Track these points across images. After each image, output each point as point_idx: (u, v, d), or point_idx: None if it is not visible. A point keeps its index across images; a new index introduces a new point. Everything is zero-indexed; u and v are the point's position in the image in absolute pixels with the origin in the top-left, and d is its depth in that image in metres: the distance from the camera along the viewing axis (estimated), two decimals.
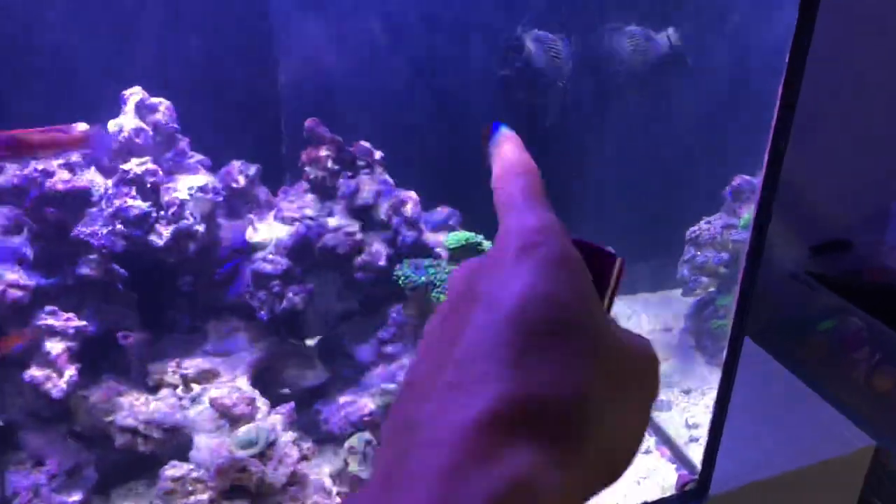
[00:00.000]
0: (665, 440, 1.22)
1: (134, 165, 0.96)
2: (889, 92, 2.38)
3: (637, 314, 1.45)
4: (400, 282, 1.14)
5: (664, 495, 1.13)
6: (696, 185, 1.32)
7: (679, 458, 1.20)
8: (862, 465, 1.35)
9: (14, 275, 0.93)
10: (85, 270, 0.97)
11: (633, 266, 1.42)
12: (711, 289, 1.27)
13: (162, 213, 0.98)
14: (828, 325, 2.48)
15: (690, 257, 1.27)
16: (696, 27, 1.28)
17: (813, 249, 2.61)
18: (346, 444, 1.09)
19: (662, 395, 1.28)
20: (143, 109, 1.02)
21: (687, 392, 1.30)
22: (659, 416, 1.26)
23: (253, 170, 1.13)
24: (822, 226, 2.61)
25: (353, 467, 1.07)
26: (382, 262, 1.14)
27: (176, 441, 1.03)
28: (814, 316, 2.51)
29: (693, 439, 1.21)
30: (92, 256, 0.97)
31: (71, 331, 0.96)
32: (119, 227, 0.96)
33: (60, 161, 0.94)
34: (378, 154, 1.18)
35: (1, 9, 1.00)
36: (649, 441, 1.21)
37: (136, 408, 1.01)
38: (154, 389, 1.05)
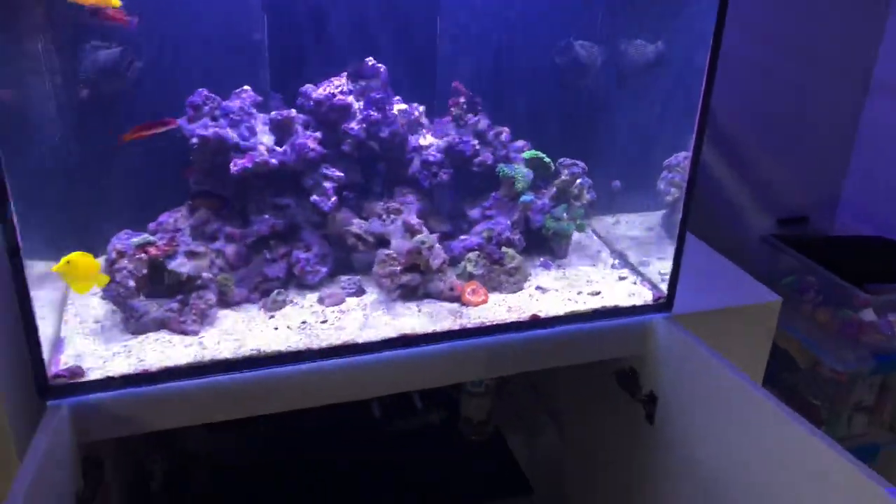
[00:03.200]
0: (647, 280, 2.08)
1: (373, 94, 1.87)
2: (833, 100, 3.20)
3: (628, 223, 2.31)
4: (499, 173, 2.03)
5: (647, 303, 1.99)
6: (675, 135, 2.16)
7: (654, 288, 2.05)
8: (773, 314, 2.09)
9: (312, 144, 1.84)
10: (345, 148, 1.88)
11: (626, 191, 2.28)
12: (677, 195, 2.12)
13: (386, 120, 1.89)
14: (789, 279, 3.26)
15: (664, 176, 2.13)
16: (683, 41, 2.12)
17: (779, 221, 3.44)
18: (465, 257, 1.97)
19: (646, 258, 2.14)
20: (375, 68, 1.94)
21: (661, 258, 2.14)
22: (644, 269, 2.11)
23: (422, 108, 2.04)
24: (786, 204, 3.42)
25: (470, 268, 1.94)
26: (490, 162, 2.04)
27: (378, 245, 1.92)
28: (779, 273, 3.30)
29: (664, 280, 2.06)
30: (349, 140, 1.88)
31: (335, 177, 1.86)
32: (363, 126, 1.87)
33: (338, 90, 1.85)
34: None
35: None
36: (636, 279, 2.07)
37: (360, 224, 1.91)
38: (366, 218, 1.95)
